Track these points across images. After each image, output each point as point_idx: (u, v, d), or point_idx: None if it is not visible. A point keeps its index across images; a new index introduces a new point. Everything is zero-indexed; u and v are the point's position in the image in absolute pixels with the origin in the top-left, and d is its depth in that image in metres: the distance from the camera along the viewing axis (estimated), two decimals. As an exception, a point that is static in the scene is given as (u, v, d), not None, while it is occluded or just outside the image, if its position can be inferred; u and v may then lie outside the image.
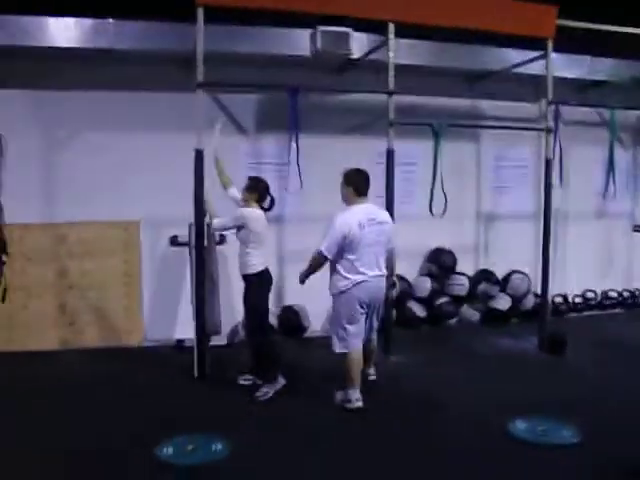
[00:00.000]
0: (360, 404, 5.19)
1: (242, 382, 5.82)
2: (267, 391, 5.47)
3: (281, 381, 5.57)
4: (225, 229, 5.77)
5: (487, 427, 4.84)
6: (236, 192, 5.89)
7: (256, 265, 5.55)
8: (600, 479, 4.04)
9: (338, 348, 5.31)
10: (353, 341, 5.26)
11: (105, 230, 7.10)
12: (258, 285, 5.60)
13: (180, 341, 6.96)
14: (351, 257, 5.19)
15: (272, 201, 5.81)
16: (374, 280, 5.25)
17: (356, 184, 5.49)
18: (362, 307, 5.26)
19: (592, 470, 4.18)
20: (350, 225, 5.19)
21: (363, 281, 5.18)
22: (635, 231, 7.68)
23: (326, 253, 5.25)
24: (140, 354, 6.87)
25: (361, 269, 5.18)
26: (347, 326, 5.24)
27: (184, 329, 6.74)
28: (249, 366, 5.83)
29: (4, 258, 6.79)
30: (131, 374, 6.16)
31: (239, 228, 5.53)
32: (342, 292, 5.26)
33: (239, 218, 5.53)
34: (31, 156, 6.87)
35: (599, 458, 4.30)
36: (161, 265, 7.29)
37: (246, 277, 5.59)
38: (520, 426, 4.78)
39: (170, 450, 4.42)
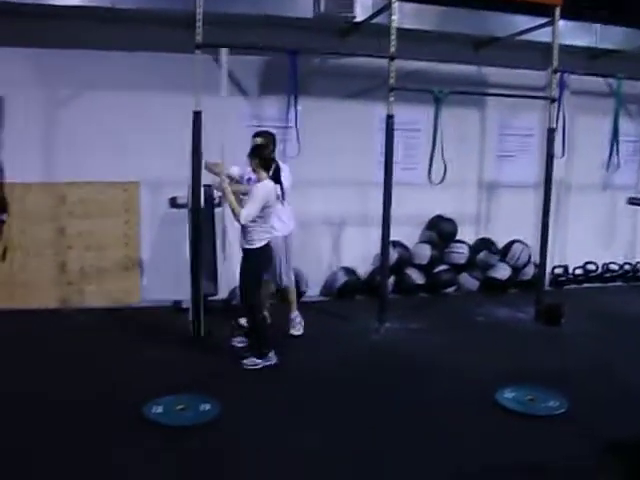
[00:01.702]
0: None
1: (236, 344, 5.85)
2: (257, 362, 5.41)
3: (272, 359, 5.44)
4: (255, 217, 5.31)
5: (475, 395, 4.87)
6: (236, 170, 5.91)
7: (259, 240, 5.33)
8: (582, 450, 4.05)
9: None
10: None
11: (105, 191, 7.11)
12: (256, 260, 5.42)
13: (177, 302, 6.99)
14: None
15: (277, 170, 5.52)
16: None
17: None
18: None
19: (575, 441, 4.20)
20: None
21: None
22: (631, 204, 7.58)
23: None
24: (137, 314, 6.92)
25: None
26: None
27: (182, 290, 6.79)
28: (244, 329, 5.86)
29: (4, 217, 6.88)
30: (127, 333, 6.23)
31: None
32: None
33: (261, 199, 5.23)
34: (32, 115, 6.85)
35: (583, 429, 4.33)
36: (160, 226, 7.31)
37: (246, 251, 5.40)
38: (508, 395, 4.80)
39: (159, 409, 4.47)
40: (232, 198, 5.27)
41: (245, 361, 5.42)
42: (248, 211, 5.19)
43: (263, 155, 5.41)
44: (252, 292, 5.43)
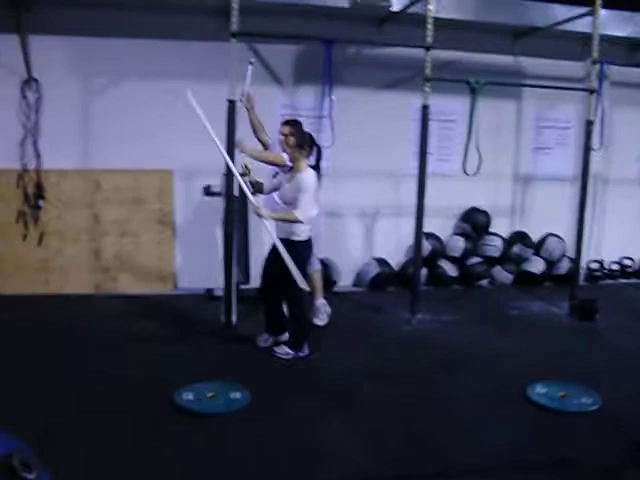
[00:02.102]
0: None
1: (261, 343, 5.62)
2: (289, 352, 5.37)
3: (305, 350, 5.40)
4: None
5: (506, 389, 4.81)
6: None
7: (304, 232, 5.23)
8: (614, 448, 3.99)
9: None
10: None
11: (140, 178, 7.17)
12: (302, 253, 5.26)
13: (210, 290, 7.04)
14: None
15: (319, 152, 5.53)
16: None
17: None
18: None
19: (607, 438, 4.12)
20: None
21: None
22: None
23: None
24: (170, 301, 6.98)
25: None
26: None
27: (214, 278, 6.83)
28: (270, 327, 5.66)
29: (41, 203, 6.99)
30: (159, 320, 6.28)
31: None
32: None
33: (312, 189, 5.16)
34: (69, 103, 6.94)
35: (616, 427, 4.25)
36: (194, 214, 7.36)
37: (292, 243, 5.15)
38: (540, 390, 4.73)
39: (190, 396, 4.49)
40: (280, 215, 5.17)
41: (277, 349, 5.42)
42: (304, 207, 5.08)
43: (304, 142, 5.27)
44: (297, 286, 5.14)
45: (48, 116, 6.90)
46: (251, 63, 6.07)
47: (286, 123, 5.84)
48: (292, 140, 5.34)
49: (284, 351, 5.39)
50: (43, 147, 6.93)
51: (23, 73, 6.79)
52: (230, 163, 5.39)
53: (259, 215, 5.11)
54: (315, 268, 6.22)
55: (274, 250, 5.24)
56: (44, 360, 5.10)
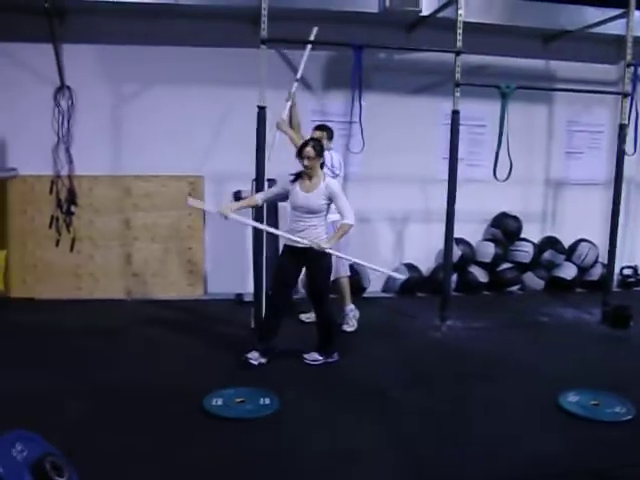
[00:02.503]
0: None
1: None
2: (318, 358, 5.38)
3: (335, 357, 5.41)
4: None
5: (537, 397, 4.75)
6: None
7: (327, 237, 5.21)
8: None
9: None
10: None
11: (170, 183, 7.22)
12: (329, 259, 5.27)
13: (239, 295, 7.06)
14: None
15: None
16: None
17: None
18: None
19: (642, 448, 4.07)
20: None
21: None
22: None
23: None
24: (200, 306, 7.02)
25: None
26: None
27: (244, 283, 6.86)
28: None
29: (73, 209, 7.08)
30: (189, 325, 6.33)
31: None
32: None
33: (341, 191, 5.23)
34: (99, 110, 7.04)
35: (651, 436, 4.19)
36: (224, 220, 7.37)
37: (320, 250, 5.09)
38: (572, 399, 4.66)
39: (219, 401, 4.50)
40: (339, 235, 5.22)
41: (306, 356, 5.40)
42: (349, 207, 5.16)
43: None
44: (328, 292, 5.36)
45: (80, 123, 7.00)
46: (297, 80, 6.32)
47: (319, 128, 5.97)
48: (319, 146, 5.24)
49: (314, 358, 5.38)
50: (75, 153, 7.02)
51: (56, 81, 6.91)
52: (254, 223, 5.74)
53: (323, 249, 5.08)
54: (343, 274, 6.22)
55: (288, 255, 5.24)
56: (75, 363, 5.16)
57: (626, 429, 4.30)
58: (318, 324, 5.49)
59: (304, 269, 5.35)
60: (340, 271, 6.13)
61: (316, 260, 5.16)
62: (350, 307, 6.28)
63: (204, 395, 4.52)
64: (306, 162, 5.07)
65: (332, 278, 5.69)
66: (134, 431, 4.08)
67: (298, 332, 6.06)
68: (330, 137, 6.08)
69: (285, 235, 5.28)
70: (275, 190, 5.38)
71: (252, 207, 5.64)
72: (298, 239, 5.12)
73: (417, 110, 7.49)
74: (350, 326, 6.25)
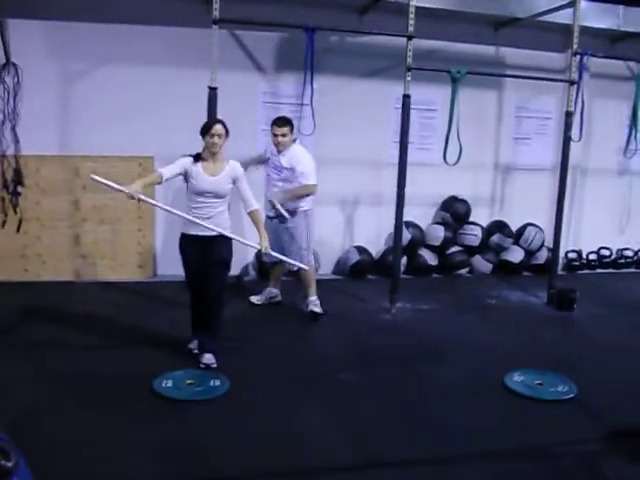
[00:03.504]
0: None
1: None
2: (213, 360, 4.89)
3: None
4: None
5: (483, 378, 4.87)
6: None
7: None
8: (589, 435, 4.05)
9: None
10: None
11: (119, 164, 7.09)
12: None
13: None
14: None
15: None
16: None
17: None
18: None
19: (583, 426, 4.20)
20: None
21: None
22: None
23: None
24: (150, 288, 6.96)
25: None
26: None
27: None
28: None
29: (19, 189, 6.91)
30: (139, 307, 6.29)
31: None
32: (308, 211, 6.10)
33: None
34: (47, 88, 6.84)
35: (592, 414, 4.33)
36: (174, 201, 7.30)
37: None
38: (517, 379, 4.79)
39: (169, 383, 4.50)
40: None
41: (204, 360, 4.90)
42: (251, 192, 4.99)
43: None
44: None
45: (27, 101, 6.82)
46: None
47: (285, 123, 5.90)
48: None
49: (210, 360, 4.88)
50: (22, 132, 6.85)
51: (1, 57, 6.71)
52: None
53: (268, 252, 5.07)
54: (310, 263, 6.21)
55: (192, 245, 4.92)
56: (21, 347, 5.08)
57: (568, 407, 4.45)
58: (209, 315, 4.97)
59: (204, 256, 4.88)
60: (307, 260, 6.11)
61: (221, 247, 4.89)
62: (313, 298, 6.23)
63: (154, 378, 4.51)
64: (216, 139, 4.76)
65: (303, 266, 5.68)
66: (83, 415, 4.05)
67: (248, 315, 6.08)
68: (292, 130, 5.97)
69: (203, 224, 4.78)
70: (176, 169, 4.87)
71: (156, 184, 5.01)
72: (220, 230, 4.80)
73: (369, 93, 7.51)
74: (318, 308, 6.23)
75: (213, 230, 4.79)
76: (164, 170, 4.85)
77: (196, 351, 5.02)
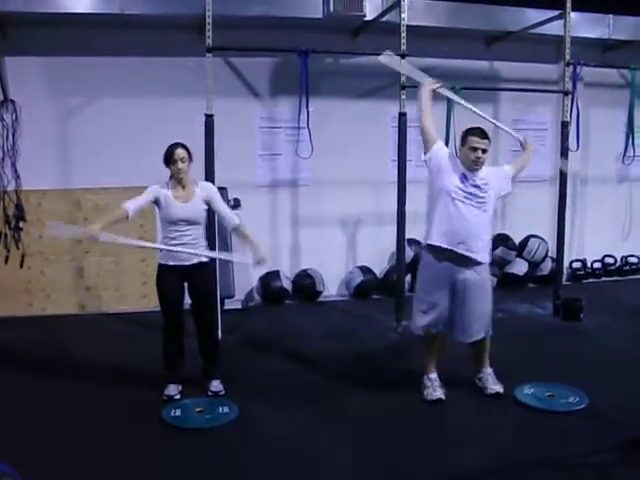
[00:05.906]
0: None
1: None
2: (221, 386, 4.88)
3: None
4: None
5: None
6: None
7: None
8: (602, 446, 4.01)
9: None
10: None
11: (120, 196, 6.98)
12: None
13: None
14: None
15: None
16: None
17: None
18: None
19: (595, 437, 4.15)
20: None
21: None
22: None
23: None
24: (155, 318, 6.92)
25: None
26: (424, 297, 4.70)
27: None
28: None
29: (21, 224, 6.94)
30: (144, 337, 6.22)
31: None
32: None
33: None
34: (46, 123, 6.92)
35: (604, 426, 4.28)
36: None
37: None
38: (527, 391, 4.76)
39: (178, 412, 4.48)
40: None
41: (212, 388, 4.88)
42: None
43: None
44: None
45: (26, 137, 6.87)
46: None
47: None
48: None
49: (219, 387, 4.87)
50: (22, 168, 6.89)
51: (-1, 95, 6.78)
52: None
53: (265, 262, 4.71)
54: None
55: (171, 275, 4.61)
56: (29, 379, 5.07)
57: (579, 418, 4.41)
58: (208, 346, 4.91)
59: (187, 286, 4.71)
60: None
61: (207, 276, 4.81)
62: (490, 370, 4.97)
63: (163, 407, 4.50)
64: (180, 165, 4.57)
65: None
66: (91, 447, 4.02)
67: (250, 340, 6.08)
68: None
69: (185, 250, 4.53)
70: (145, 198, 4.65)
71: (121, 221, 4.56)
72: (216, 255, 4.87)
73: (365, 113, 7.55)
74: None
75: (196, 256, 4.58)
76: (130, 203, 4.54)
77: (178, 397, 4.71)
